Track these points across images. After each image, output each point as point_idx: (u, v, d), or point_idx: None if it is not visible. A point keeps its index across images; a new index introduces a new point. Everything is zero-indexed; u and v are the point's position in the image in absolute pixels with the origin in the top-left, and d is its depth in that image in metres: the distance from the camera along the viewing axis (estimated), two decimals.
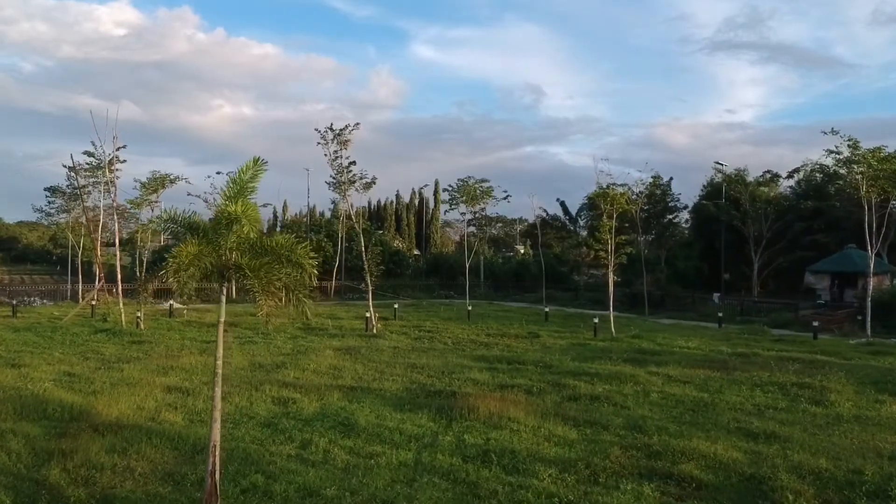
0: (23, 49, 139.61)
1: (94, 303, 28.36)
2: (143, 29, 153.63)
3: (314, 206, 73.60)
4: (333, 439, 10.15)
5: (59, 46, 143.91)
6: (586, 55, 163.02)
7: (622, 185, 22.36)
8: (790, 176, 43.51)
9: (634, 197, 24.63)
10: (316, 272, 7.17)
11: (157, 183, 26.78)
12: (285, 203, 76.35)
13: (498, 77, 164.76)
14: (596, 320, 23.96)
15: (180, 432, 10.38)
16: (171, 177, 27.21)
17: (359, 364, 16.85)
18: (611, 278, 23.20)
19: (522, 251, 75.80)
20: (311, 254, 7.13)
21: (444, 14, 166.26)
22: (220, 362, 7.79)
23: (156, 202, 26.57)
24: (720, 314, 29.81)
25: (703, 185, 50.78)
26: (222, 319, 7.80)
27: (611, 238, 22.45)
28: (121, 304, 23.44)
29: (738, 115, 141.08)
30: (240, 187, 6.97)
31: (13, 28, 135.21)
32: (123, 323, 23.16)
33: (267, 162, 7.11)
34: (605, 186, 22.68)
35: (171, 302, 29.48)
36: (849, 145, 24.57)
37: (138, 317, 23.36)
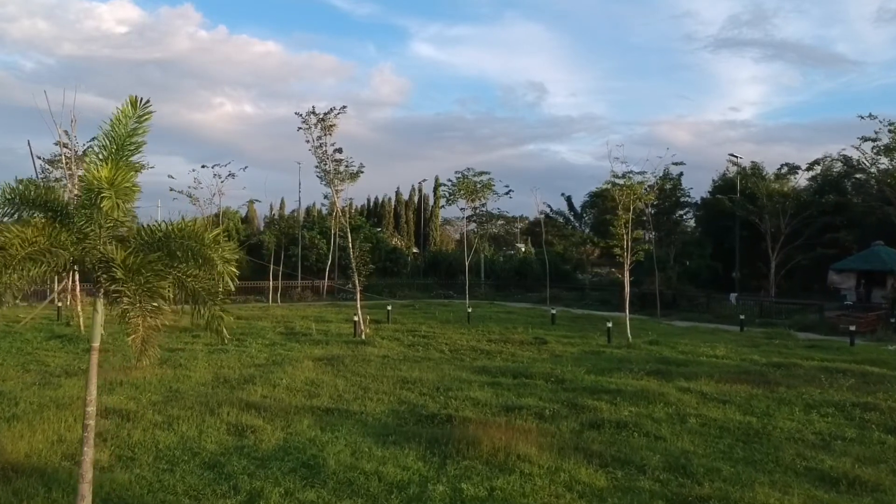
0: (24, 47, 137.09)
1: (59, 304, 26.04)
2: (145, 27, 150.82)
3: (313, 204, 71.25)
4: (291, 489, 7.81)
5: (60, 44, 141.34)
6: (589, 53, 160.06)
7: (640, 172, 19.96)
8: (810, 168, 41.12)
9: (646, 190, 22.00)
10: (234, 271, 4.89)
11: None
12: (282, 201, 73.91)
13: (500, 75, 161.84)
14: (609, 324, 21.60)
15: (95, 480, 8.02)
16: (136, 165, 24.56)
17: (340, 378, 14.51)
18: (626, 277, 20.82)
19: (524, 249, 73.50)
20: (229, 245, 4.82)
21: (445, 12, 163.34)
22: (91, 409, 5.41)
23: None
24: (741, 316, 27.49)
25: (714, 181, 48.57)
26: (95, 345, 5.46)
27: (627, 233, 20.10)
28: (79, 307, 21.07)
29: (742, 113, 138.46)
30: (118, 145, 4.66)
31: (14, 26, 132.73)
32: (83, 328, 20.77)
33: (150, 103, 4.81)
34: (620, 175, 20.31)
35: None
36: (890, 130, 22.17)
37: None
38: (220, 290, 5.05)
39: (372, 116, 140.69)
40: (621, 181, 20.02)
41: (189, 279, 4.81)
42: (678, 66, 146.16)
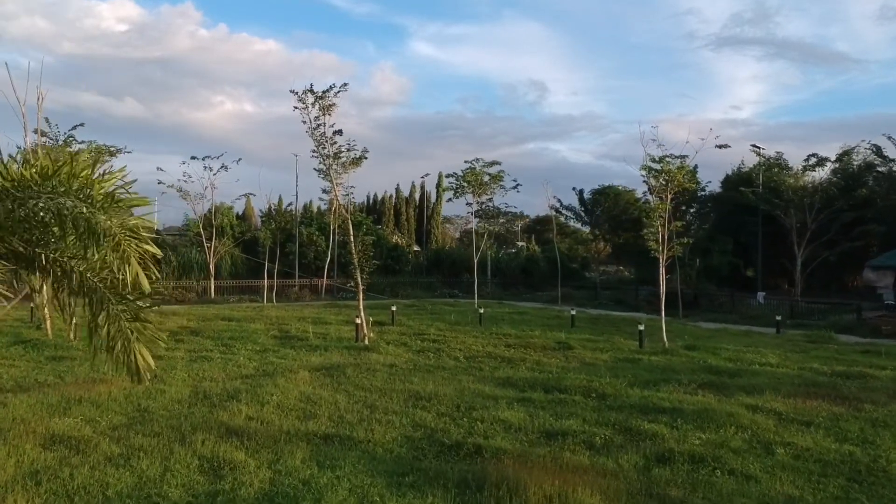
0: (23, 45, 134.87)
1: (33, 304, 23.81)
2: (145, 25, 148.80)
3: (310, 201, 69.19)
4: None
5: (59, 43, 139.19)
6: (589, 52, 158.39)
7: (680, 156, 17.67)
8: (839, 159, 38.96)
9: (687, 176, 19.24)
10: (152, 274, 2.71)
11: (92, 156, 21.85)
12: (280, 198, 71.80)
13: (500, 74, 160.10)
14: (641, 327, 19.40)
15: None
16: (112, 149, 22.22)
17: (341, 393, 12.30)
18: (662, 275, 18.57)
19: (527, 247, 71.45)
20: (140, 200, 2.64)
21: (443, 11, 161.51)
22: None
23: None
24: (778, 317, 25.31)
25: (727, 175, 46.58)
26: None
27: (663, 224, 17.87)
28: (45, 309, 18.80)
29: (743, 112, 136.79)
30: None
31: (13, 24, 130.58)
32: (50, 332, 18.45)
33: None
34: (656, 159, 18.03)
35: None
36: None
37: (75, 322, 18.69)
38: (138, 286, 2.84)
39: (373, 115, 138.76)
40: (658, 165, 17.81)
41: (77, 265, 2.61)
42: (679, 64, 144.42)
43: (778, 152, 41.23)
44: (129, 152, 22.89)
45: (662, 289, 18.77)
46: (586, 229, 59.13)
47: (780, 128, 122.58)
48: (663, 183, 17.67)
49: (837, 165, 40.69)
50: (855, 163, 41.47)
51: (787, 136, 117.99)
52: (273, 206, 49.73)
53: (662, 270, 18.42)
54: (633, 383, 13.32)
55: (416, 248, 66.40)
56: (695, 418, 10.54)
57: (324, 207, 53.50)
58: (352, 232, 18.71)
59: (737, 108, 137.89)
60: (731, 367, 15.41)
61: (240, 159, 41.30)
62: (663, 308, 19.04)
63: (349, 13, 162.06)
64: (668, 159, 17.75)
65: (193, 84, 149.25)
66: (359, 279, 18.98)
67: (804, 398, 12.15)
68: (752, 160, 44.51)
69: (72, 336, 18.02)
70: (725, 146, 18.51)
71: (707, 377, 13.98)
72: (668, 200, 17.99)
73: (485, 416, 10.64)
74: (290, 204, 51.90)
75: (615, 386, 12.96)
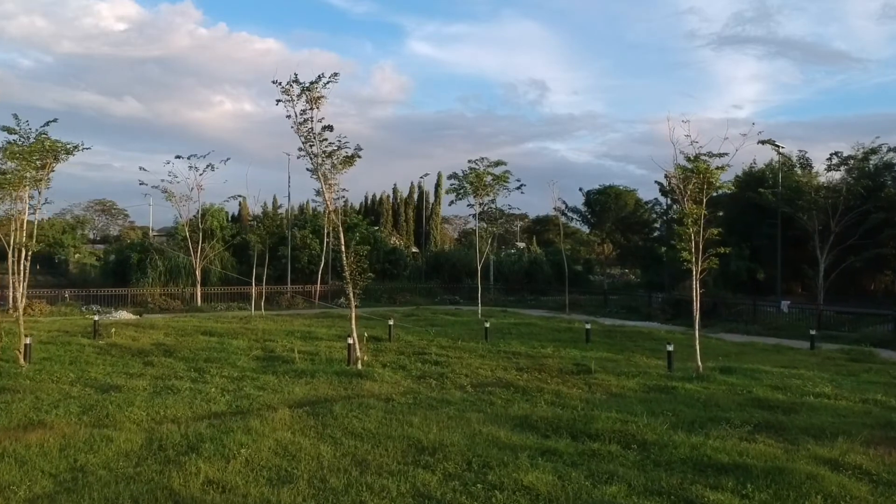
0: (22, 44, 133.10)
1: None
2: (144, 24, 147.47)
3: (307, 201, 67.34)
4: None
5: (58, 42, 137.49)
6: (589, 52, 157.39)
7: (719, 154, 15.50)
8: (865, 158, 36.86)
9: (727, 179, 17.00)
10: None
11: (46, 153, 19.44)
12: (275, 198, 69.84)
13: (500, 73, 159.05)
14: (671, 347, 17.25)
15: None
16: (69, 146, 19.84)
17: (326, 441, 10.12)
18: (696, 289, 16.35)
19: (529, 249, 69.51)
20: None
21: (441, 10, 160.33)
22: None
23: (42, 180, 19.41)
24: (812, 331, 23.19)
25: (738, 175, 44.52)
26: None
27: (698, 231, 15.72)
28: None
29: (743, 111, 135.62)
30: None
31: (12, 23, 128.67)
32: None
33: None
34: (692, 158, 15.86)
35: (97, 315, 22.38)
36: None
37: (27, 343, 16.48)
38: None
39: (373, 115, 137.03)
40: (691, 165, 15.65)
41: None
42: (679, 63, 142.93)
43: (801, 150, 39.11)
44: (87, 148, 20.32)
45: (696, 304, 16.54)
46: (588, 230, 57.21)
47: (780, 127, 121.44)
48: (696, 185, 15.52)
49: (853, 164, 38.68)
50: (872, 162, 39.50)
51: (786, 135, 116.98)
52: (267, 209, 47.60)
53: (696, 284, 16.22)
54: (676, 425, 11.17)
55: (414, 249, 64.40)
56: (767, 482, 8.39)
57: (319, 209, 51.44)
58: (343, 241, 16.54)
59: (737, 108, 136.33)
60: (782, 400, 13.25)
61: (228, 159, 39.27)
62: (697, 326, 16.82)
63: (347, 12, 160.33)
64: (703, 158, 15.62)
65: (193, 83, 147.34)
66: (352, 295, 16.80)
67: (887, 447, 10.02)
68: (762, 160, 42.57)
69: (21, 361, 15.84)
70: (769, 142, 16.36)
71: (760, 415, 11.85)
72: (704, 204, 15.84)
73: (504, 478, 8.48)
74: (280, 205, 49.90)
75: (656, 430, 10.80)
